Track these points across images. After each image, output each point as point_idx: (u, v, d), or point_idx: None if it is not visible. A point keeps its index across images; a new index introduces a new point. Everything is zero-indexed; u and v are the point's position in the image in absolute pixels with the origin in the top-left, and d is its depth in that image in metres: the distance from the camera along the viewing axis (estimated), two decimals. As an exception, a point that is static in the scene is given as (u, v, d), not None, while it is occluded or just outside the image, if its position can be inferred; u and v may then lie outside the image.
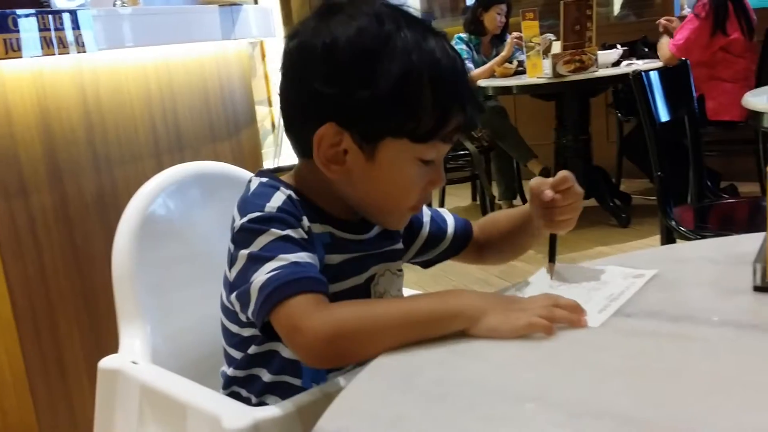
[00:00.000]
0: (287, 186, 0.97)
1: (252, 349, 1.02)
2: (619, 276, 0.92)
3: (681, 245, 1.13)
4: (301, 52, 0.94)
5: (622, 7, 5.10)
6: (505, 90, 4.06)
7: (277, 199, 0.93)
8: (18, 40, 1.75)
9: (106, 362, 1.12)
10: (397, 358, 0.79)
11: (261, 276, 0.87)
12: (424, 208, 1.16)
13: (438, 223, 1.18)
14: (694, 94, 2.52)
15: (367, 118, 0.91)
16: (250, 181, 1.01)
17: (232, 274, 0.93)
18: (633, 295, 0.86)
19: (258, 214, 0.91)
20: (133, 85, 2.16)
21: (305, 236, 0.92)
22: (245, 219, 0.92)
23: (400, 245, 1.11)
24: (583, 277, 0.93)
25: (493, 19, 4.25)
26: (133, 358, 1.10)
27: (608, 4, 5.10)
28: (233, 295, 0.93)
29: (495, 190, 4.25)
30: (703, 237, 2.15)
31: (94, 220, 2.05)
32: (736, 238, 1.03)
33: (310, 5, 5.91)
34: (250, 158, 2.73)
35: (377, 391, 0.73)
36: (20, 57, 1.76)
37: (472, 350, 0.78)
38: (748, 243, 0.93)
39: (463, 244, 1.20)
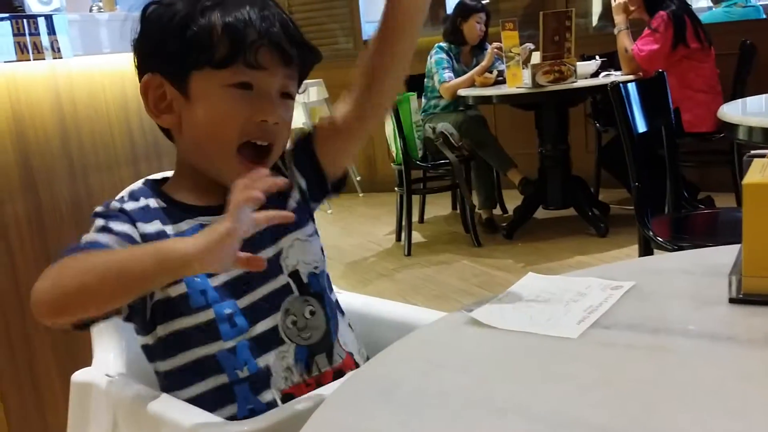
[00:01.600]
0: (154, 191, 1.05)
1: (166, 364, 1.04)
2: (598, 288, 0.92)
3: (658, 257, 1.13)
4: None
5: (601, 18, 5.14)
6: (485, 99, 4.07)
7: (129, 204, 1.02)
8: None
9: (79, 375, 1.10)
10: (377, 370, 0.79)
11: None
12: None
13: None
14: (671, 106, 2.54)
15: (167, 58, 1.00)
16: None
17: None
18: (611, 307, 0.86)
19: (99, 209, 1.01)
20: (110, 91, 2.14)
21: (128, 232, 0.97)
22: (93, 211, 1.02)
23: (293, 197, 1.10)
24: (561, 288, 0.93)
25: (473, 28, 4.26)
26: (106, 371, 1.09)
27: (587, 15, 5.14)
28: None
29: (475, 199, 4.26)
30: (680, 247, 2.16)
31: (69, 228, 2.02)
32: (712, 250, 1.03)
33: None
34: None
35: (357, 404, 0.72)
36: (-7, 63, 1.74)
37: (452, 362, 0.78)
38: (724, 255, 0.94)
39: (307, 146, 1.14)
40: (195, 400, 1.02)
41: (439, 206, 4.86)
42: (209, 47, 0.97)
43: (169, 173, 1.13)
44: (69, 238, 2.00)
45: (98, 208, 1.02)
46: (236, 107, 0.99)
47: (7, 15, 1.80)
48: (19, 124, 1.90)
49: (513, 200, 4.37)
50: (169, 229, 1.01)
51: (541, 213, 4.28)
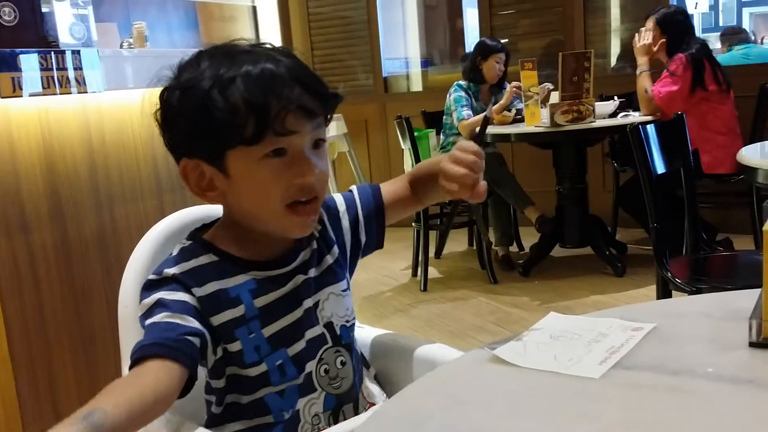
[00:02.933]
0: (204, 247, 1.06)
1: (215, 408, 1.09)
2: (619, 329, 0.93)
3: (678, 300, 1.14)
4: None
5: (619, 59, 5.18)
6: (503, 137, 4.10)
7: (182, 267, 1.03)
8: (20, 78, 1.78)
9: (108, 403, 1.11)
10: (402, 405, 0.80)
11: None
12: (338, 198, 1.19)
13: (353, 207, 1.20)
14: (690, 147, 2.55)
15: (199, 143, 1.00)
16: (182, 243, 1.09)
17: None
18: (632, 348, 0.87)
19: (153, 277, 1.03)
20: (138, 125, 2.18)
21: (184, 299, 1.00)
22: (147, 278, 1.04)
23: (333, 253, 1.14)
24: (583, 328, 0.95)
25: (492, 67, 4.31)
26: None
27: (605, 55, 5.19)
28: None
29: (492, 236, 4.27)
30: (698, 289, 2.17)
31: (94, 258, 2.05)
32: (733, 293, 1.04)
33: (307, 9, 5.98)
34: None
35: (380, 438, 0.74)
36: (21, 96, 1.78)
37: (475, 399, 0.79)
38: (744, 299, 0.95)
39: (379, 207, 1.20)
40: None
41: (456, 242, 4.87)
42: (237, 127, 0.96)
43: (204, 210, 1.16)
44: (93, 267, 2.04)
45: (151, 276, 1.03)
46: (276, 176, 1.00)
47: (35, 49, 1.85)
48: (49, 156, 1.94)
49: (530, 238, 4.38)
50: (224, 284, 1.03)
51: (557, 251, 4.28)
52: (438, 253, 4.69)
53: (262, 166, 0.98)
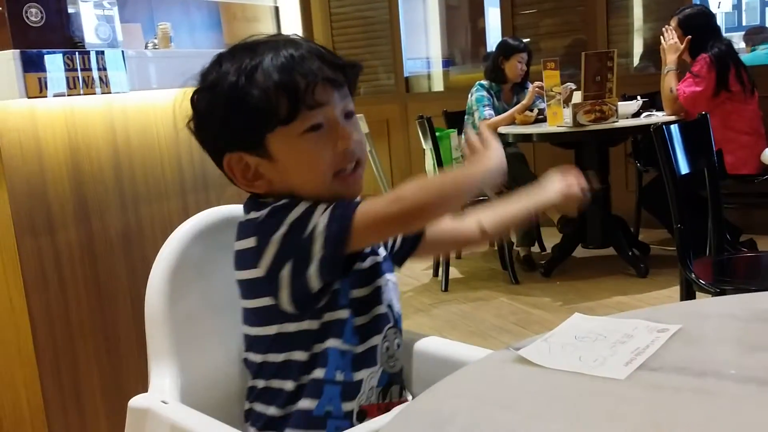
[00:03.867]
0: None
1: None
2: (644, 330, 0.93)
3: (704, 300, 1.13)
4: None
5: (642, 59, 5.15)
6: (526, 137, 4.09)
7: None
8: (46, 78, 1.79)
9: (135, 401, 1.13)
10: (428, 404, 0.80)
11: (321, 220, 0.99)
12: None
13: None
14: (714, 148, 2.53)
15: (237, 135, 1.04)
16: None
17: (265, 261, 1.01)
18: (658, 349, 0.87)
19: (279, 203, 1.04)
20: (162, 125, 2.20)
21: None
22: (266, 210, 1.04)
23: (381, 254, 1.17)
24: (608, 329, 0.94)
25: (514, 67, 4.30)
26: (162, 397, 1.12)
27: (628, 55, 5.16)
28: (284, 270, 1.00)
29: (513, 236, 4.26)
30: (723, 290, 2.15)
31: (119, 257, 2.07)
32: (759, 295, 1.03)
33: (329, 9, 6.00)
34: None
35: (405, 437, 0.74)
36: (46, 96, 1.80)
37: (502, 400, 0.79)
38: (771, 300, 0.94)
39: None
40: (286, 364, 1.07)
41: (477, 242, 4.86)
42: (271, 110, 1.01)
43: (229, 210, 1.20)
44: (117, 266, 2.06)
45: (275, 205, 1.04)
46: (319, 149, 1.04)
47: (60, 50, 1.86)
48: (75, 155, 1.96)
49: (551, 238, 4.36)
50: None
51: (579, 252, 4.26)
52: (459, 253, 4.68)
53: (304, 140, 1.03)
